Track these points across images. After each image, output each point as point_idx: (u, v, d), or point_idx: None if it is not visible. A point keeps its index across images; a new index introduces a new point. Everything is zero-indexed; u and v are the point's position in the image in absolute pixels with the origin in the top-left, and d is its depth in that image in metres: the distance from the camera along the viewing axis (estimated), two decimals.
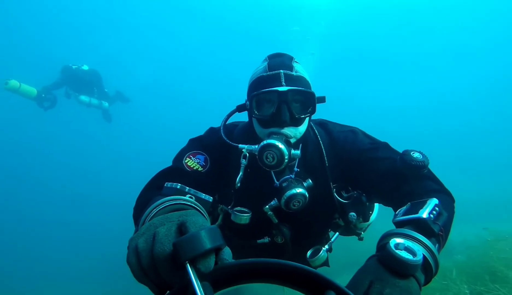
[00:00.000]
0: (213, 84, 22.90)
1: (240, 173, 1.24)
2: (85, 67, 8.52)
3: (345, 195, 1.39)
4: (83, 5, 18.26)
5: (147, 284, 0.60)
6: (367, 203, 1.41)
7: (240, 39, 20.95)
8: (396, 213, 1.03)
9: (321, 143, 1.37)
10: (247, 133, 1.37)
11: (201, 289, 0.50)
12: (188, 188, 0.90)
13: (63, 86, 8.32)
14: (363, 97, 22.03)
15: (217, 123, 1.44)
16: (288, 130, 1.22)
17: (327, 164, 1.35)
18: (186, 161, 1.26)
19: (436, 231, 0.89)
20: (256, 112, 1.23)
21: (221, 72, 22.82)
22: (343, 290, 0.51)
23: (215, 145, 1.35)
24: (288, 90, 1.18)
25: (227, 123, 1.41)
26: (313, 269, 0.53)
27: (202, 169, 1.27)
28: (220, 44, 21.76)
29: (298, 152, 1.19)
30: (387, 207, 1.31)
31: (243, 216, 1.29)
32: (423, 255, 0.78)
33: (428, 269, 0.82)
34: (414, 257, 0.73)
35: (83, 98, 8.48)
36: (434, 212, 0.94)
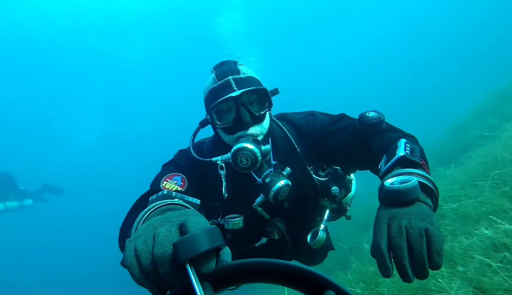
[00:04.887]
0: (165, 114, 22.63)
1: (224, 184, 1.27)
2: None
3: (322, 174, 1.45)
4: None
5: (147, 286, 0.60)
6: (345, 175, 1.49)
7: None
8: (379, 168, 1.11)
9: (287, 133, 1.43)
10: (216, 146, 1.40)
11: (201, 290, 0.50)
12: (175, 193, 0.90)
13: None
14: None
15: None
16: (253, 130, 1.28)
17: (298, 150, 1.40)
18: (163, 184, 1.26)
19: (417, 161, 0.98)
20: (218, 122, 1.29)
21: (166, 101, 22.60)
22: (342, 290, 0.51)
23: (189, 165, 1.38)
24: (242, 93, 1.24)
25: (194, 141, 1.45)
26: (313, 269, 0.54)
27: (181, 188, 1.28)
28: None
29: (268, 146, 1.25)
30: (364, 171, 1.39)
31: (236, 221, 1.32)
32: (418, 181, 0.83)
33: (429, 190, 0.88)
34: (409, 183, 0.80)
35: None
36: (407, 148, 1.04)
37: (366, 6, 20.24)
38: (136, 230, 0.75)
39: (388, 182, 0.85)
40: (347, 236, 4.60)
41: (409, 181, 0.81)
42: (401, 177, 0.86)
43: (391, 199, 0.81)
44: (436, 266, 0.72)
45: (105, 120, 22.21)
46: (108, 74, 20.91)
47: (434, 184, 0.90)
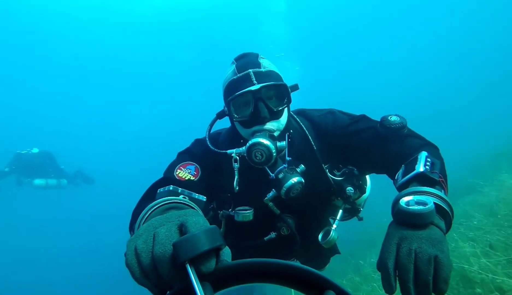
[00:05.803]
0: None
1: (236, 177, 1.27)
2: (35, 150, 8.12)
3: (337, 173, 1.43)
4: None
5: (146, 286, 0.60)
6: (360, 176, 1.46)
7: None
8: (396, 178, 1.10)
9: (305, 129, 1.40)
10: (232, 138, 1.39)
11: (201, 290, 0.50)
12: (181, 189, 0.90)
13: (11, 174, 7.93)
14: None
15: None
16: (270, 125, 1.26)
17: (315, 148, 1.38)
18: (177, 172, 1.27)
19: (436, 178, 0.96)
20: (235, 115, 1.27)
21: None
22: (342, 290, 0.51)
23: (204, 154, 1.38)
24: (261, 87, 1.22)
25: (210, 132, 1.45)
26: (313, 269, 0.53)
27: (194, 178, 1.29)
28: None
29: (283, 143, 1.24)
30: (380, 175, 1.36)
31: (246, 213, 1.32)
32: (434, 202, 0.83)
33: (444, 213, 0.87)
34: (425, 206, 0.79)
35: (38, 182, 8.00)
36: (428, 163, 1.01)
37: (403, 21, 20.05)
38: (138, 228, 0.76)
39: (404, 200, 0.84)
40: (358, 251, 4.75)
41: (426, 203, 0.80)
42: (417, 197, 0.85)
43: (405, 220, 0.81)
44: (441, 293, 0.72)
45: (151, 116, 23.27)
46: (160, 75, 22.16)
47: (449, 206, 0.89)
